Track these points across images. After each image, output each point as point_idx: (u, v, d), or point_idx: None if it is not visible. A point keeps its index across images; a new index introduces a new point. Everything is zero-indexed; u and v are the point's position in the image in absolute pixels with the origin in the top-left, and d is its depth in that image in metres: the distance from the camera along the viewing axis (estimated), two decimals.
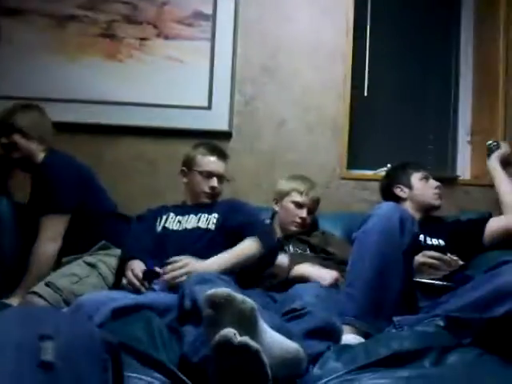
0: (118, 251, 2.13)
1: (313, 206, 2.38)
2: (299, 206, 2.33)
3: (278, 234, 2.36)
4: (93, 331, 0.87)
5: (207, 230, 2.14)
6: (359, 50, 3.03)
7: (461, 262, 2.05)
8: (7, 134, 2.19)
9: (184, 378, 1.16)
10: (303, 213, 2.32)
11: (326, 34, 2.92)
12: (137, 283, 1.85)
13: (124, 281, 1.91)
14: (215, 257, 1.94)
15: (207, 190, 2.23)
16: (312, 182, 2.42)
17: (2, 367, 0.71)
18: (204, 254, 1.98)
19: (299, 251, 2.25)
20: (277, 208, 2.43)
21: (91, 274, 2.01)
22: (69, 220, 2.14)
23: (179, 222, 2.19)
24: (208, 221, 2.17)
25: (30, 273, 2.05)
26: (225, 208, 2.23)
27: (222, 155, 2.29)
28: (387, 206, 1.77)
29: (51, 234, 2.10)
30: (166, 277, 1.85)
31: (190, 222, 2.18)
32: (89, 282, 1.98)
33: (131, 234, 2.16)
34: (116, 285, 2.04)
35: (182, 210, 2.25)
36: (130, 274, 1.89)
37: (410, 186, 2.42)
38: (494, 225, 2.24)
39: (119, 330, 1.43)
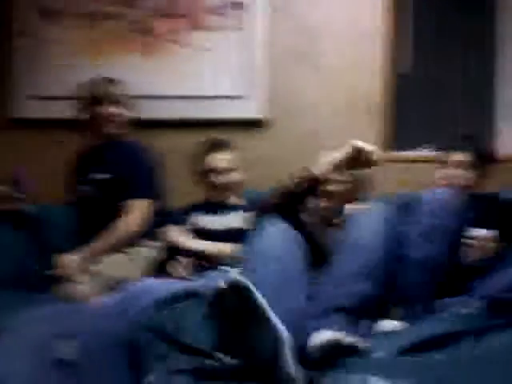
0: (151, 242, 2.17)
1: None
2: None
3: None
4: (112, 329, 0.90)
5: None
6: (400, 27, 2.93)
7: (492, 245, 1.98)
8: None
9: None
10: None
11: (362, 12, 2.85)
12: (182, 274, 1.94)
13: (173, 270, 1.97)
14: None
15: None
16: None
17: (23, 366, 0.75)
18: None
19: None
20: None
21: (129, 261, 2.06)
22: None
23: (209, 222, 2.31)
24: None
25: (104, 242, 2.04)
26: None
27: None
28: (437, 192, 1.74)
29: (142, 217, 2.11)
30: None
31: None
32: (127, 267, 2.03)
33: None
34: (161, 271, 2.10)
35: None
36: (178, 263, 1.99)
37: None
38: None
39: (158, 319, 1.47)
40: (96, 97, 2.24)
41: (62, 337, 0.80)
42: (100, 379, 0.83)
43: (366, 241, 1.56)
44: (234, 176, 2.36)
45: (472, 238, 1.98)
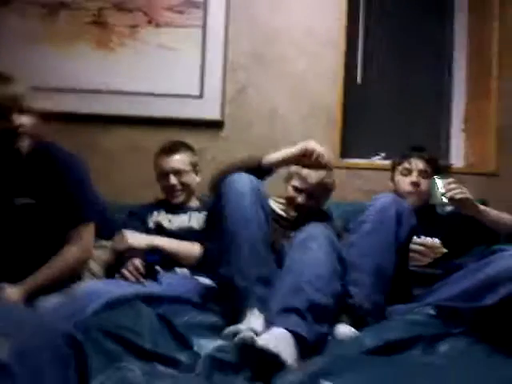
0: (105, 242, 2.08)
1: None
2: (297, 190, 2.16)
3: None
4: (53, 326, 0.85)
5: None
6: (352, 36, 3.01)
7: (444, 250, 2.02)
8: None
9: None
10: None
11: (317, 21, 2.88)
12: (134, 277, 1.89)
13: (125, 272, 1.91)
14: None
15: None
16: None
17: None
18: None
19: None
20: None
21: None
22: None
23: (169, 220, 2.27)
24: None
25: (48, 272, 1.77)
26: None
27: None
28: (384, 199, 1.76)
29: (89, 244, 1.90)
30: None
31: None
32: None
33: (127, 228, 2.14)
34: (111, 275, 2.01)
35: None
36: (130, 266, 1.92)
37: (393, 180, 2.29)
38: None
39: (110, 320, 1.43)
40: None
41: None
42: (39, 381, 0.77)
43: (314, 252, 1.55)
44: (190, 177, 2.32)
45: (419, 244, 2.02)
